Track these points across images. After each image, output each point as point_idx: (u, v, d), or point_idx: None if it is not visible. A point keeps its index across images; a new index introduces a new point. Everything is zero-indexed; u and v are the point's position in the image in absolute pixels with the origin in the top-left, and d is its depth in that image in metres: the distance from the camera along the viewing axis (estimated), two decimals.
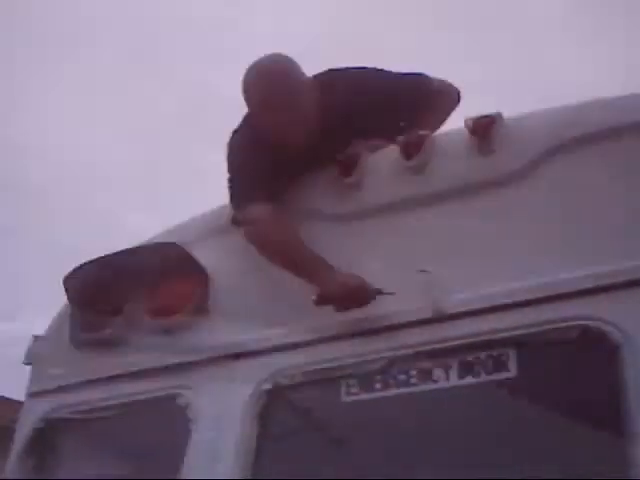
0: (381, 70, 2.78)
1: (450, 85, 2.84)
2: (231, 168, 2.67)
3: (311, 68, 2.72)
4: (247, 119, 2.70)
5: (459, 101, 2.85)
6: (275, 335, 2.45)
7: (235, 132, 2.72)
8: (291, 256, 2.53)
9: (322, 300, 2.40)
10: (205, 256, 2.66)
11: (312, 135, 2.62)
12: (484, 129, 2.42)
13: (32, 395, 2.82)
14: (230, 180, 2.66)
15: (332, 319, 2.39)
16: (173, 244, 2.67)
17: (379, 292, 2.36)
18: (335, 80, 2.71)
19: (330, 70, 2.75)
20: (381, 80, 2.74)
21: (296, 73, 2.64)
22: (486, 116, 2.45)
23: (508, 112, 2.51)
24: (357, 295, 2.38)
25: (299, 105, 2.59)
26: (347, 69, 2.76)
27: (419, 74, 2.81)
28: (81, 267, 2.75)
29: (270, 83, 2.58)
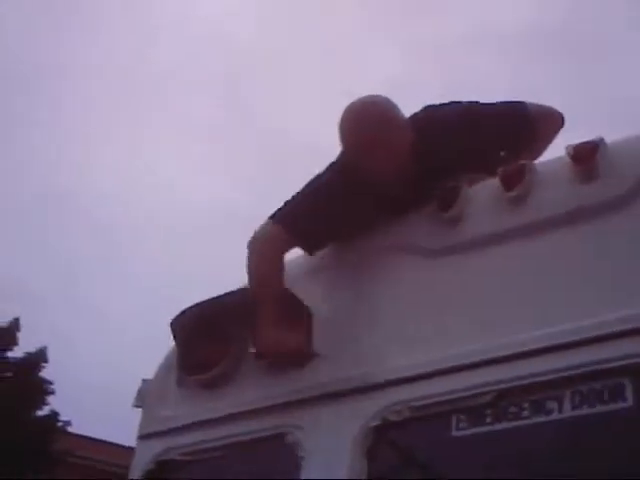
0: (476, 102, 2.79)
1: (550, 109, 2.81)
2: (302, 188, 2.75)
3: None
4: (340, 158, 2.72)
5: (562, 125, 2.81)
6: (382, 371, 2.44)
7: (330, 166, 2.76)
8: (255, 293, 2.66)
9: (257, 354, 2.61)
10: (310, 293, 2.68)
11: (408, 173, 2.64)
12: (587, 155, 2.38)
13: (143, 437, 2.87)
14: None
15: (439, 353, 2.37)
16: (284, 287, 2.70)
17: (314, 355, 2.52)
18: (432, 117, 2.73)
19: (426, 107, 2.77)
20: (477, 112, 2.75)
21: (390, 112, 2.67)
22: (588, 142, 2.42)
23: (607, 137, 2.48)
24: (287, 356, 2.57)
25: (391, 143, 2.61)
26: (443, 105, 2.78)
27: (515, 102, 2.80)
28: (187, 309, 2.81)
29: (366, 125, 2.62)
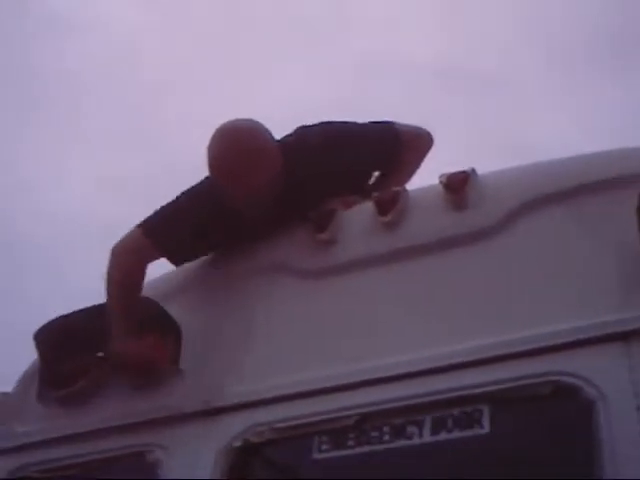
0: (348, 123, 2.80)
1: (419, 128, 2.86)
2: (170, 200, 2.72)
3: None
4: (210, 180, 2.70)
5: (431, 144, 2.86)
6: (246, 391, 2.41)
7: (200, 183, 2.73)
8: (110, 300, 2.62)
9: (111, 363, 2.60)
10: (179, 310, 2.63)
11: (278, 197, 2.63)
12: (458, 185, 2.44)
13: None
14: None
15: (302, 375, 2.36)
16: (146, 298, 2.65)
17: (178, 372, 2.53)
18: (301, 138, 2.73)
19: (297, 128, 2.77)
20: (348, 133, 2.76)
21: (260, 138, 2.64)
22: (460, 172, 2.48)
23: (481, 168, 2.54)
24: (129, 366, 2.56)
25: (259, 171, 2.59)
26: (312, 126, 2.78)
27: (385, 122, 2.83)
28: (51, 321, 2.71)
29: (229, 149, 2.59)
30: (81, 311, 2.69)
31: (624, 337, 2.06)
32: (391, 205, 2.50)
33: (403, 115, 2.92)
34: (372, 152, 2.73)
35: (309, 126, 2.78)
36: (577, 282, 2.21)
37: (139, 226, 2.71)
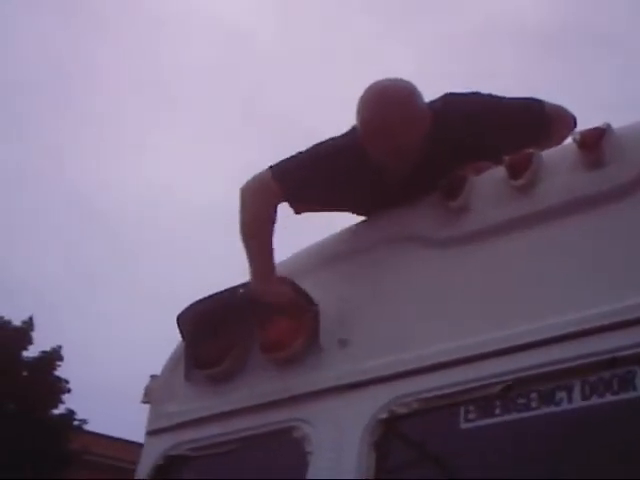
0: (495, 96, 2.76)
1: (564, 110, 2.79)
2: (304, 150, 2.74)
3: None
4: (355, 135, 2.70)
5: (574, 127, 2.77)
6: (389, 363, 2.42)
7: (339, 137, 2.73)
8: (245, 242, 2.67)
9: (250, 296, 2.65)
10: (318, 285, 2.66)
11: (421, 161, 2.62)
12: (593, 141, 2.35)
13: (151, 433, 2.86)
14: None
15: (443, 345, 2.34)
16: (283, 278, 2.69)
17: (320, 348, 2.52)
18: (451, 105, 2.71)
19: (446, 95, 2.75)
20: (495, 106, 2.73)
21: (412, 96, 2.65)
22: (595, 128, 2.38)
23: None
24: (269, 304, 2.62)
25: (409, 127, 2.59)
26: (463, 94, 2.76)
27: (533, 99, 2.78)
28: (194, 304, 2.79)
29: (385, 106, 2.60)
30: (222, 292, 2.75)
31: None
32: (523, 168, 2.44)
33: (516, 83, 2.84)
34: (518, 127, 2.68)
35: (459, 94, 2.76)
36: None
37: (270, 168, 2.74)
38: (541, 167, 2.44)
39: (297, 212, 2.79)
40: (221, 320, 2.73)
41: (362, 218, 2.82)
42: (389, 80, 2.68)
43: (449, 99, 2.74)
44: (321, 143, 2.77)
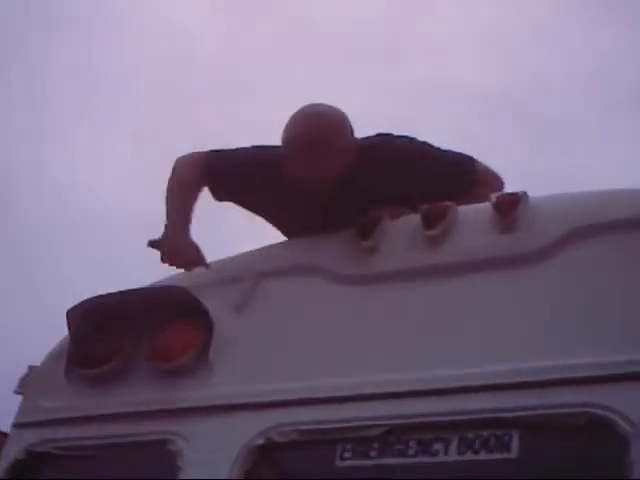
0: (429, 145, 2.79)
1: (494, 173, 2.81)
2: (242, 147, 2.84)
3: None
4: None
5: (502, 187, 2.81)
6: (273, 390, 2.39)
7: (276, 146, 2.75)
8: (170, 203, 2.79)
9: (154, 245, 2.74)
10: (214, 304, 2.62)
11: (339, 194, 2.63)
12: (508, 206, 2.41)
13: (18, 426, 2.75)
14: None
15: (331, 380, 2.34)
16: (181, 288, 2.65)
17: (207, 365, 2.52)
18: (381, 146, 2.73)
19: (380, 134, 2.78)
20: (426, 155, 2.75)
21: (343, 129, 2.68)
22: (511, 194, 2.45)
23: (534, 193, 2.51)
24: (173, 255, 2.71)
25: (331, 160, 2.61)
26: (396, 137, 2.78)
27: (465, 156, 2.81)
28: (86, 301, 2.71)
29: (313, 128, 2.62)
30: (116, 293, 2.69)
31: None
32: (438, 219, 2.48)
33: (449, 140, 2.90)
34: (444, 181, 2.70)
35: (393, 136, 2.78)
36: (619, 315, 2.17)
37: (207, 152, 2.84)
38: (455, 222, 2.48)
39: (216, 199, 2.87)
40: (112, 321, 2.67)
41: (275, 231, 2.89)
42: (323, 105, 2.69)
43: (382, 139, 2.76)
44: (260, 147, 2.82)
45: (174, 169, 2.84)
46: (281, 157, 2.67)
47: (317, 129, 2.60)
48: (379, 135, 2.79)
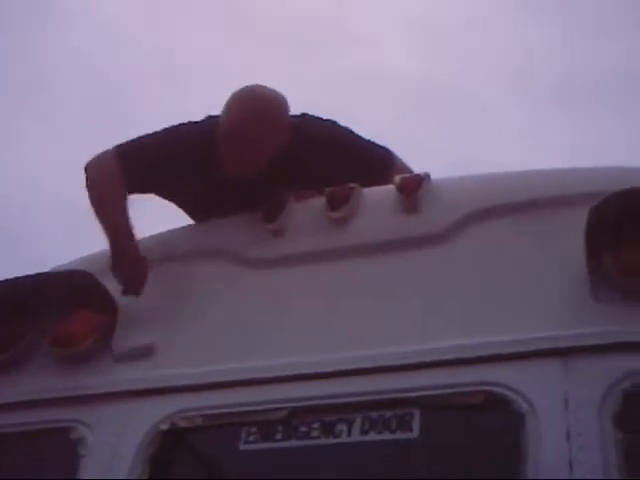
0: (350, 131, 2.79)
1: (409, 169, 2.83)
2: (153, 132, 2.71)
3: None
4: (209, 125, 2.67)
5: None
6: (177, 375, 2.37)
7: (192, 123, 2.71)
8: (101, 220, 2.63)
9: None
10: (118, 287, 2.59)
11: (260, 176, 2.61)
12: (411, 187, 2.43)
13: None
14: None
15: (234, 364, 2.33)
16: (84, 272, 2.59)
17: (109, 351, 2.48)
18: (305, 124, 2.72)
19: (305, 115, 2.76)
20: (347, 141, 2.76)
21: (283, 111, 2.65)
22: (415, 175, 2.47)
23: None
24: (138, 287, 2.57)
25: (269, 142, 2.60)
26: (321, 120, 2.78)
27: (385, 149, 2.83)
28: None
29: (256, 108, 2.59)
30: (17, 278, 2.62)
31: (560, 354, 2.07)
32: (343, 201, 2.49)
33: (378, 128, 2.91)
34: (358, 169, 2.71)
35: (316, 118, 2.77)
36: (518, 296, 2.22)
37: (115, 147, 2.68)
38: (360, 203, 2.49)
39: (131, 194, 2.73)
40: (12, 306, 2.60)
41: (185, 216, 2.82)
42: (265, 87, 2.67)
43: (306, 119, 2.75)
44: (173, 127, 2.72)
45: (88, 179, 2.68)
46: (207, 133, 2.63)
47: (260, 112, 2.58)
48: (303, 115, 2.78)
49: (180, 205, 2.87)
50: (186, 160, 2.66)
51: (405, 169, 2.81)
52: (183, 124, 2.73)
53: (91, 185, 2.66)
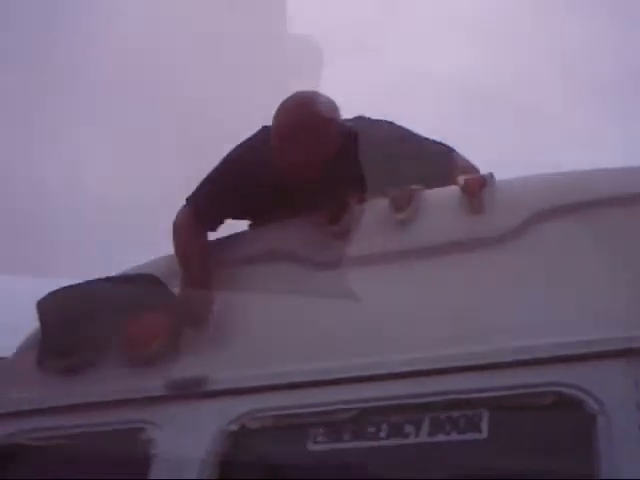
0: (411, 132, 2.80)
1: (473, 167, 2.81)
2: (214, 168, 2.78)
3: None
4: (264, 136, 2.71)
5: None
6: (246, 377, 2.40)
7: (247, 140, 2.75)
8: (183, 265, 2.69)
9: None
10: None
11: (320, 180, 2.64)
12: (475, 188, 2.43)
13: None
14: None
15: (303, 365, 2.35)
16: (151, 276, 2.64)
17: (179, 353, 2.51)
18: (362, 128, 2.72)
19: (362, 118, 2.78)
20: (407, 142, 2.76)
21: (335, 117, 2.67)
22: (479, 176, 2.47)
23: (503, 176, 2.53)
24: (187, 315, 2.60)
25: (323, 148, 2.62)
26: (378, 121, 2.79)
27: (448, 148, 2.82)
28: (56, 292, 2.71)
29: (307, 115, 2.62)
30: (87, 283, 2.68)
31: (629, 354, 2.05)
32: (407, 203, 2.49)
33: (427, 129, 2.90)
34: (420, 169, 2.70)
35: (373, 120, 2.78)
36: (586, 295, 2.20)
37: (187, 202, 2.77)
38: (423, 205, 2.50)
39: (213, 230, 2.82)
40: (82, 311, 2.66)
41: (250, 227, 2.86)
42: (314, 93, 2.70)
43: (363, 122, 2.76)
44: (231, 152, 2.77)
45: (173, 236, 2.77)
46: (262, 142, 2.66)
47: (311, 118, 2.60)
48: (360, 118, 2.79)
49: (254, 220, 2.90)
50: (248, 178, 2.70)
51: (467, 165, 2.81)
52: (239, 145, 2.78)
53: (175, 245, 2.77)
